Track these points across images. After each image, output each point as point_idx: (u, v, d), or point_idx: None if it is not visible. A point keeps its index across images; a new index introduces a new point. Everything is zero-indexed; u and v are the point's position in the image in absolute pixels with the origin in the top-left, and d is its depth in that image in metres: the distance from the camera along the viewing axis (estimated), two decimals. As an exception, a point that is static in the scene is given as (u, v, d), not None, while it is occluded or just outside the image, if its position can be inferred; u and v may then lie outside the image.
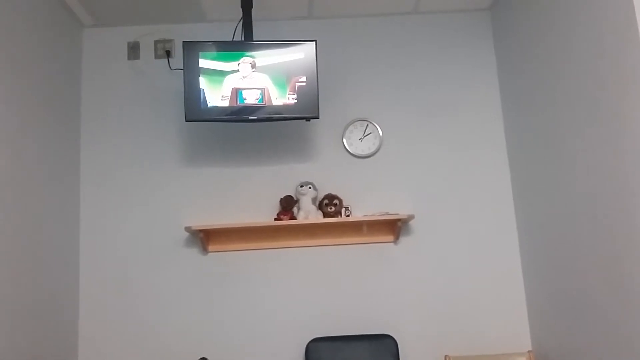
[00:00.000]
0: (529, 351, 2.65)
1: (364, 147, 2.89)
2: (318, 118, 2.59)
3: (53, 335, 2.46)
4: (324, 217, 2.72)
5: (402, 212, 2.81)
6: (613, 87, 1.90)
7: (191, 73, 2.52)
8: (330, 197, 2.75)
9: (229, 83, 2.52)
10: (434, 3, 2.91)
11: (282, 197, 2.77)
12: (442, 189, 2.87)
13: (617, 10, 1.85)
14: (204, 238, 2.73)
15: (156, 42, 2.96)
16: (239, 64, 2.52)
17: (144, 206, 2.83)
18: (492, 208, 2.85)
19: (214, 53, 2.53)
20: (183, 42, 2.55)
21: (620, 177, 1.89)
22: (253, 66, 2.53)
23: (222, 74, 2.52)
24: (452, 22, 3.00)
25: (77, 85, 2.88)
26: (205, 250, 2.78)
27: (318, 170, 2.87)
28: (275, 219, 2.74)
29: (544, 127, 2.46)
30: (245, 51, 2.54)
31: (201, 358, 2.46)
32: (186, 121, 2.53)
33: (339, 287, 2.78)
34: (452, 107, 2.93)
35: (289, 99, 2.54)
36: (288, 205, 2.75)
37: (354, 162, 2.89)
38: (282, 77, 2.54)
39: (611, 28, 1.89)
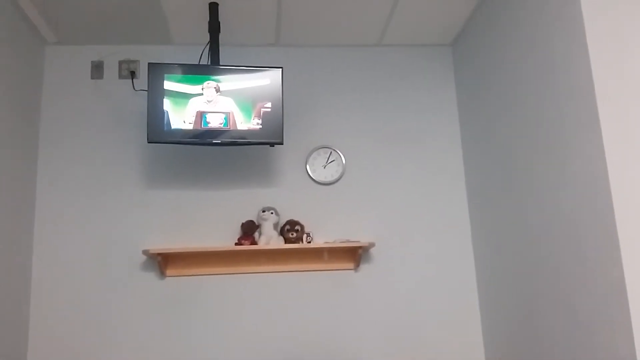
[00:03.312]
0: (484, 380, 2.68)
1: (327, 174, 2.91)
2: (282, 144, 2.60)
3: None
4: (286, 242, 2.71)
5: (363, 239, 2.83)
6: (564, 122, 1.99)
7: (155, 94, 2.50)
8: (292, 223, 2.75)
9: (194, 106, 2.52)
10: (398, 37, 3.00)
11: (244, 221, 2.75)
12: (403, 217, 2.91)
13: (569, 47, 1.95)
14: (162, 262, 2.67)
15: (121, 62, 2.93)
16: (202, 88, 2.53)
17: (101, 228, 2.76)
18: (450, 236, 2.91)
19: (180, 76, 2.52)
20: (148, 63, 2.54)
21: (567, 209, 1.96)
22: (217, 90, 2.54)
23: (187, 96, 2.52)
24: (415, 56, 3.10)
25: (37, 103, 2.82)
26: (163, 274, 2.72)
27: (281, 196, 2.87)
28: (236, 244, 2.71)
29: (499, 159, 2.55)
30: (211, 75, 2.54)
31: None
32: (148, 142, 2.50)
33: (299, 313, 2.76)
34: (413, 137, 3.00)
35: (254, 124, 2.55)
36: (249, 230, 2.73)
37: (317, 188, 2.90)
38: (247, 102, 2.56)
39: (563, 65, 1.99)
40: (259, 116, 2.55)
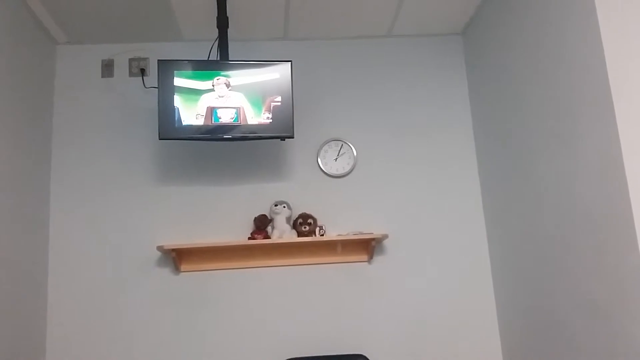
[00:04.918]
0: (501, 370, 2.67)
1: (339, 166, 2.91)
2: (293, 137, 2.60)
3: (19, 357, 2.38)
4: (298, 236, 2.72)
5: (375, 231, 2.82)
6: (578, 111, 1.97)
7: (166, 91, 2.51)
8: (305, 217, 2.75)
9: (204, 102, 2.52)
10: (407, 27, 2.97)
11: (256, 216, 2.76)
12: (416, 208, 2.90)
13: (583, 35, 1.92)
14: (176, 258, 2.69)
15: (131, 60, 2.95)
16: (213, 84, 2.53)
17: (116, 225, 2.79)
18: (464, 227, 2.89)
19: (189, 72, 2.53)
20: (158, 60, 2.54)
21: (582, 197, 1.94)
22: (228, 85, 2.54)
23: (198, 92, 2.52)
24: (425, 46, 3.07)
25: (49, 103, 2.85)
26: (177, 270, 2.74)
27: (293, 190, 2.87)
28: (249, 238, 2.72)
29: (513, 149, 2.52)
30: (220, 70, 2.55)
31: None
32: (160, 139, 2.51)
33: (313, 306, 2.77)
34: (425, 128, 2.98)
35: (264, 118, 2.55)
36: (262, 224, 2.74)
37: (329, 181, 2.90)
38: (257, 97, 2.55)
39: (576, 51, 1.96)
40: (269, 110, 2.55)
